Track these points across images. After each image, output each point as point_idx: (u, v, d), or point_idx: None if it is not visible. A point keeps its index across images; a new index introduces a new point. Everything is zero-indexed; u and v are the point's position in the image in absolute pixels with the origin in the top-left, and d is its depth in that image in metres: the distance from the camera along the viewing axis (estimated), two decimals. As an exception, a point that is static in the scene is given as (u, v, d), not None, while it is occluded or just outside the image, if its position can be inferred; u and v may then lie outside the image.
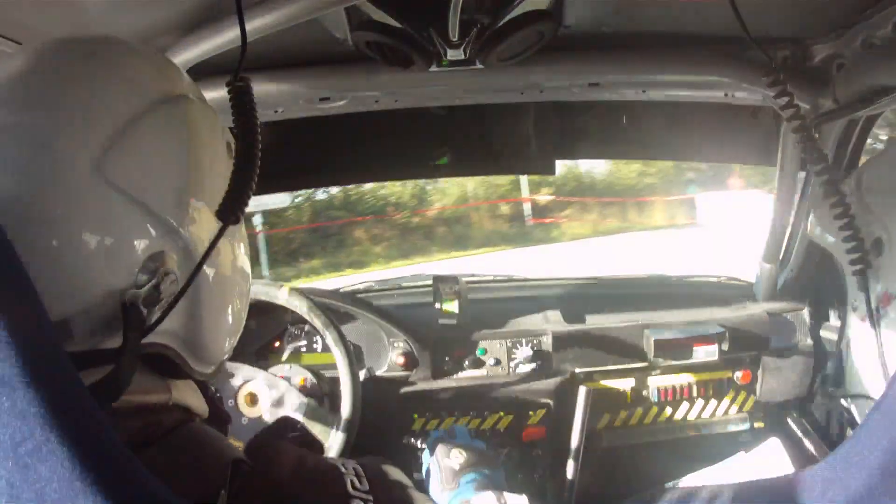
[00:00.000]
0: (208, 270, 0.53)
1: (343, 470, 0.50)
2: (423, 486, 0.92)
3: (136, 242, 0.47)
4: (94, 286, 0.46)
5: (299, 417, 1.22)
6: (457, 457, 0.90)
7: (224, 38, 0.83)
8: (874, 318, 0.55)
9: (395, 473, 0.54)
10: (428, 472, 0.92)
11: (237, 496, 0.45)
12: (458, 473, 0.88)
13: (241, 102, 0.56)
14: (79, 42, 0.53)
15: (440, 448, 0.93)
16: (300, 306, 1.24)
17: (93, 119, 0.47)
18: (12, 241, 0.40)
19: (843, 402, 0.62)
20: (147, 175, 0.48)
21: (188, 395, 0.53)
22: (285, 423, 0.52)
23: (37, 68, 0.49)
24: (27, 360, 0.36)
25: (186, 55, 0.85)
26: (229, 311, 0.56)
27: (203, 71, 0.88)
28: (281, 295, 1.23)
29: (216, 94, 1.02)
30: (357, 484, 0.48)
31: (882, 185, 0.59)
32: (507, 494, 0.78)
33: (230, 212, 0.51)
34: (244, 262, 0.59)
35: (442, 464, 0.90)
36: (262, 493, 0.46)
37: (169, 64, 0.57)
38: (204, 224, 0.52)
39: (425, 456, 0.95)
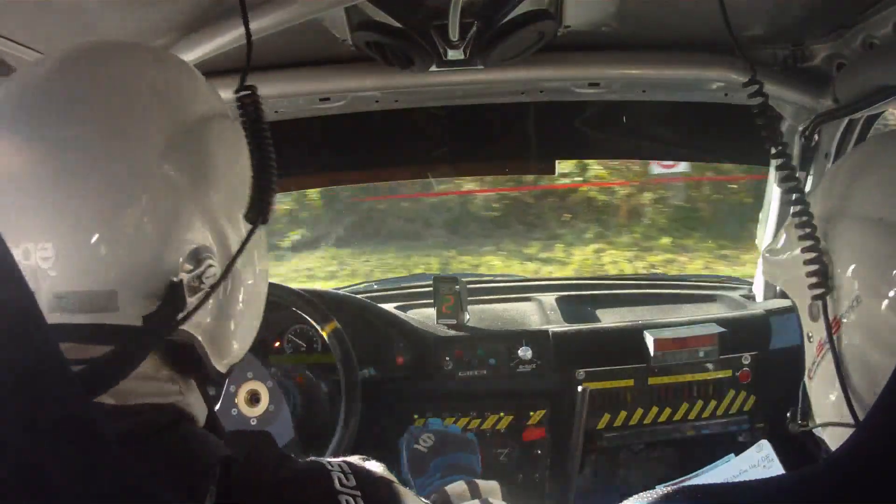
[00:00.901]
0: (241, 270, 0.56)
1: (329, 468, 0.50)
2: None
3: (187, 233, 0.51)
4: (147, 264, 0.49)
5: (299, 417, 1.22)
6: (425, 441, 0.90)
7: (225, 39, 0.82)
8: (833, 342, 0.54)
9: (381, 470, 0.55)
10: (402, 462, 0.92)
11: (225, 494, 0.45)
12: (426, 458, 0.88)
13: (252, 110, 0.60)
14: (144, 49, 0.58)
15: (409, 436, 0.93)
16: (301, 306, 1.25)
17: (161, 120, 0.52)
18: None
19: (816, 432, 0.62)
20: (203, 175, 0.53)
21: (193, 401, 0.54)
22: (267, 437, 0.53)
23: (99, 75, 0.52)
24: (16, 351, 0.36)
25: (188, 55, 0.85)
26: (254, 310, 0.60)
27: (203, 71, 0.87)
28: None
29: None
30: (344, 480, 0.49)
31: (822, 210, 0.58)
32: (479, 481, 0.79)
33: (258, 213, 0.56)
34: (266, 266, 0.62)
35: (410, 450, 0.90)
36: (250, 491, 0.46)
37: (212, 87, 0.62)
38: (240, 228, 0.56)
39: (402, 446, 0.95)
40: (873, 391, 0.49)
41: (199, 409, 0.55)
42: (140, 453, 0.42)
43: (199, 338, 0.53)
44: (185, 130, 0.53)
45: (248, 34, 0.64)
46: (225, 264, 0.54)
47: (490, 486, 0.79)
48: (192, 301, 0.51)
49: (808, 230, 0.56)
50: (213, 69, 0.87)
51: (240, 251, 0.54)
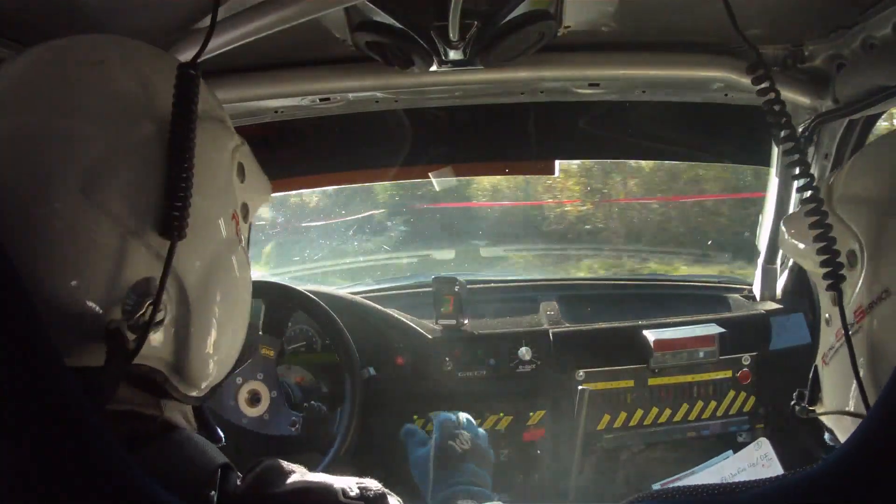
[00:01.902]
0: (197, 297, 0.51)
1: (332, 481, 0.50)
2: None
3: (123, 269, 0.46)
4: (78, 309, 0.45)
5: (300, 417, 1.22)
6: (463, 443, 0.90)
7: (223, 39, 0.82)
8: (849, 333, 0.53)
9: (380, 487, 0.54)
10: (426, 452, 0.91)
11: (226, 502, 0.45)
12: (460, 459, 0.88)
13: (185, 94, 0.49)
14: (85, 45, 0.52)
15: (446, 427, 0.92)
16: (302, 306, 1.25)
17: (85, 135, 0.46)
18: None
19: (823, 420, 0.61)
20: (138, 199, 0.47)
21: (177, 416, 0.53)
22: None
23: (39, 72, 0.49)
24: (19, 362, 0.36)
25: (184, 55, 0.85)
26: (220, 337, 0.55)
27: (204, 71, 0.87)
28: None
29: (217, 95, 1.02)
30: (349, 492, 0.49)
31: (854, 194, 0.57)
32: None
33: (171, 227, 0.47)
34: (242, 288, 0.58)
35: (445, 444, 0.89)
36: (253, 502, 0.46)
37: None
38: (200, 248, 0.51)
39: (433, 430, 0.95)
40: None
41: (184, 421, 0.54)
42: (137, 458, 0.42)
43: (161, 369, 0.50)
44: (128, 148, 0.47)
45: (215, 14, 0.57)
46: (180, 295, 0.49)
47: None
48: (133, 342, 0.46)
49: (820, 226, 0.55)
50: (213, 69, 0.87)
51: (163, 280, 0.47)
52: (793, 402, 0.66)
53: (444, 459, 0.89)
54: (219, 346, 0.54)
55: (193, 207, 0.49)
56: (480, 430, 0.98)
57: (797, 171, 0.57)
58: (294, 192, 2.18)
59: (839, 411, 0.57)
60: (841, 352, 0.55)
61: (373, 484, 0.51)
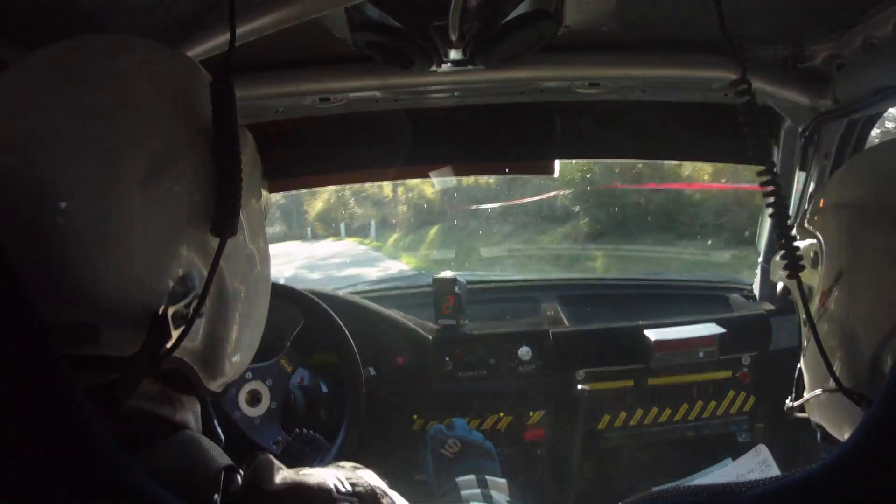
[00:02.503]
0: (232, 289, 0.53)
1: (326, 475, 0.50)
2: (423, 486, 0.93)
3: (174, 259, 0.48)
4: (128, 295, 0.46)
5: (300, 417, 1.22)
6: (451, 447, 0.92)
7: (223, 39, 0.82)
8: (811, 315, 0.60)
9: (374, 478, 0.54)
10: (427, 463, 0.94)
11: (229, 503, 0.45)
12: (452, 464, 0.89)
13: (225, 104, 0.52)
14: (124, 45, 0.53)
15: (436, 438, 0.94)
16: (303, 305, 1.25)
17: (149, 133, 0.48)
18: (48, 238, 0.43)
19: (812, 419, 0.65)
20: (190, 195, 0.49)
21: (188, 416, 0.54)
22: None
23: (93, 70, 0.49)
24: (15, 360, 0.36)
25: (189, 54, 0.85)
26: (249, 331, 0.57)
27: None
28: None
29: None
30: (342, 488, 0.49)
31: (819, 208, 0.64)
32: (489, 478, 0.81)
33: (224, 225, 0.50)
34: (267, 285, 0.60)
35: (436, 454, 0.92)
36: (251, 501, 0.46)
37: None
38: (239, 245, 0.53)
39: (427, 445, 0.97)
40: (857, 363, 0.55)
41: (194, 422, 0.54)
42: (142, 460, 0.42)
43: (190, 362, 0.51)
44: (180, 144, 0.49)
45: (233, 24, 0.59)
46: (219, 291, 0.51)
47: (498, 482, 0.81)
48: (176, 332, 0.48)
49: (779, 213, 0.63)
50: (211, 69, 0.87)
51: (211, 274, 0.49)
52: (787, 404, 0.69)
53: (440, 469, 0.91)
54: (244, 342, 0.56)
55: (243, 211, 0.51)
56: (474, 431, 0.99)
57: (765, 181, 0.65)
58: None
59: (815, 393, 0.62)
60: (811, 342, 0.60)
61: (365, 478, 0.51)
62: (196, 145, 0.50)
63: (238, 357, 0.56)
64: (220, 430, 0.61)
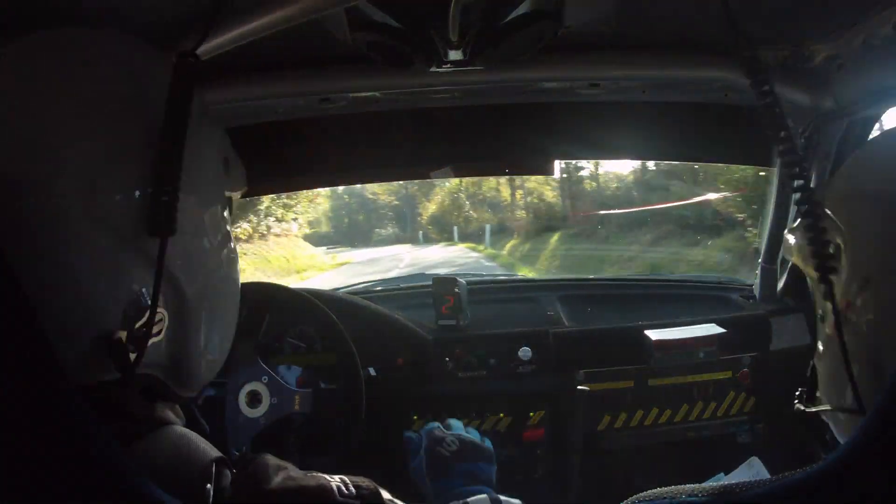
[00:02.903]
0: (193, 298, 0.51)
1: (329, 479, 0.50)
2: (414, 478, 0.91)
3: (120, 278, 0.46)
4: (83, 324, 0.45)
5: (300, 417, 1.22)
6: (449, 446, 0.88)
7: (223, 39, 0.82)
8: (840, 326, 0.54)
9: (374, 486, 0.54)
10: (419, 462, 0.90)
11: (221, 496, 0.45)
12: (449, 463, 0.86)
13: (183, 84, 0.48)
14: (72, 41, 0.50)
15: (432, 436, 0.90)
16: (302, 306, 1.25)
17: (78, 138, 0.45)
18: None
19: (822, 416, 0.62)
20: (132, 204, 0.46)
21: (167, 412, 0.54)
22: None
23: (24, 71, 0.47)
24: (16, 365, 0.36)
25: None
26: (217, 333, 0.56)
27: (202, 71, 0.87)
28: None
29: (217, 95, 1.02)
30: (344, 490, 0.49)
31: (842, 191, 0.59)
32: (502, 498, 0.76)
33: (156, 223, 0.46)
34: (234, 285, 0.58)
35: (433, 452, 0.88)
36: (249, 500, 0.46)
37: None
38: (194, 248, 0.51)
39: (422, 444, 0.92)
40: (879, 376, 0.50)
41: (174, 416, 0.54)
42: (134, 453, 0.43)
43: (160, 376, 0.51)
44: (127, 147, 0.46)
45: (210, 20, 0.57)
46: (179, 303, 0.50)
47: (512, 503, 0.76)
48: (133, 355, 0.46)
49: (810, 218, 0.56)
50: (213, 69, 0.87)
51: (157, 279, 0.46)
52: (795, 402, 0.66)
53: (436, 468, 0.87)
54: (213, 345, 0.55)
55: (186, 206, 0.48)
56: (471, 429, 0.96)
57: (795, 170, 0.58)
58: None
59: (834, 408, 0.57)
60: (832, 346, 0.55)
61: (366, 482, 0.51)
62: (144, 148, 0.47)
63: (208, 360, 0.55)
64: (203, 422, 0.61)
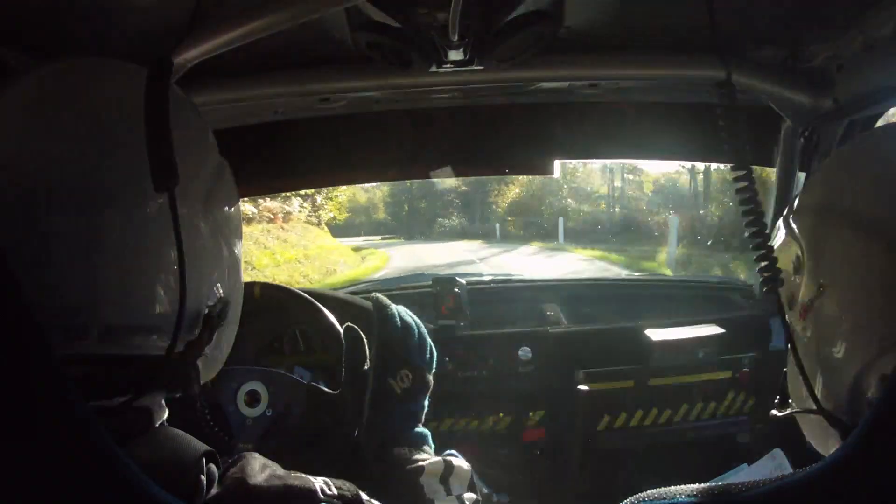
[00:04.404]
0: (229, 292, 0.58)
1: (313, 479, 0.52)
2: None
3: (216, 272, 0.56)
4: (189, 301, 0.51)
5: (299, 417, 1.21)
6: (402, 382, 0.90)
7: (223, 39, 0.82)
8: (790, 332, 0.58)
9: (356, 489, 0.55)
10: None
11: (211, 498, 0.47)
12: (399, 400, 0.88)
13: (158, 88, 0.52)
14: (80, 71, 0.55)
15: (390, 363, 0.91)
16: (301, 306, 1.24)
17: (203, 155, 0.57)
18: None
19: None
20: (233, 216, 0.59)
21: (158, 409, 0.55)
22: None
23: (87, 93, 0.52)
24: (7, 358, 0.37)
25: (188, 56, 0.85)
26: (226, 336, 0.61)
27: (198, 74, 0.87)
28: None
29: (211, 97, 1.02)
30: (327, 490, 0.51)
31: (803, 205, 0.61)
32: (455, 462, 0.76)
33: (164, 177, 0.50)
34: (239, 288, 0.63)
35: (384, 382, 0.90)
36: (234, 493, 0.48)
37: None
38: (217, 258, 0.58)
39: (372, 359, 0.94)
40: (837, 385, 0.52)
41: (160, 410, 0.56)
42: (130, 450, 0.43)
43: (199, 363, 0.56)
44: (219, 166, 0.58)
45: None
46: (229, 299, 0.57)
47: (462, 471, 0.75)
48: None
49: (755, 228, 0.60)
50: (213, 69, 0.87)
51: (176, 227, 0.49)
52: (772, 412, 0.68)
53: (381, 401, 0.84)
54: (222, 346, 0.60)
55: (191, 206, 0.54)
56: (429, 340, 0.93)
57: (740, 186, 0.62)
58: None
59: (798, 410, 0.60)
60: (793, 352, 0.58)
61: (347, 485, 0.53)
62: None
63: (210, 359, 0.59)
64: (209, 421, 0.64)
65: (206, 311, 0.54)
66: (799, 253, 0.57)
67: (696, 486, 0.46)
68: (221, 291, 0.56)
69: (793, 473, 0.43)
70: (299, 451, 1.20)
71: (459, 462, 0.76)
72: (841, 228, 0.53)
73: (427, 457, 0.79)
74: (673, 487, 0.47)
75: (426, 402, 0.89)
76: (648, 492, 0.48)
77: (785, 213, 0.63)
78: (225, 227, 0.57)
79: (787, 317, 0.59)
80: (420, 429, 0.85)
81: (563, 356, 1.36)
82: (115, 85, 0.54)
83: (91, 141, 0.49)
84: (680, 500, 0.45)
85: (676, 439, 1.35)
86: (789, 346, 0.58)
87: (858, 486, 0.39)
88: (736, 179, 0.63)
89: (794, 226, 0.60)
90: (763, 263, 0.58)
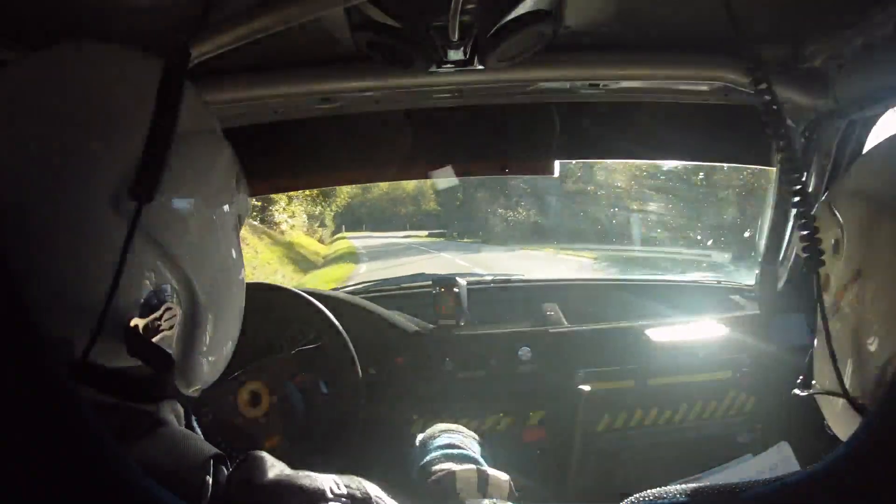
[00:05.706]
0: (205, 301, 0.54)
1: (320, 478, 0.51)
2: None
3: (144, 276, 0.49)
4: (99, 311, 0.47)
5: (300, 418, 1.22)
6: (425, 429, 0.92)
7: (223, 39, 0.82)
8: (825, 315, 0.58)
9: (370, 487, 0.55)
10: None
11: (218, 496, 0.46)
12: (426, 441, 0.88)
13: (173, 82, 0.51)
14: (110, 53, 0.53)
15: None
16: (301, 306, 1.25)
17: (116, 146, 0.48)
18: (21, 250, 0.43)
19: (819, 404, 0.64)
20: (169, 215, 0.50)
21: (168, 412, 0.55)
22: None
23: (61, 78, 0.49)
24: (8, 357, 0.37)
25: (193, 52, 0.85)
26: (223, 336, 0.58)
27: (202, 71, 0.88)
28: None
29: (210, 97, 1.02)
30: (336, 489, 0.50)
31: (848, 189, 0.61)
32: (489, 471, 0.77)
33: (141, 189, 0.48)
34: (241, 292, 0.61)
35: (416, 443, 0.90)
36: (242, 493, 0.47)
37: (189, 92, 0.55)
38: (209, 253, 0.54)
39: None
40: (864, 371, 0.53)
41: (174, 417, 0.55)
42: (132, 450, 0.43)
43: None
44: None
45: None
46: (190, 304, 0.53)
47: (499, 482, 0.78)
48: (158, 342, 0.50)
49: (802, 213, 0.60)
50: (213, 69, 0.87)
51: (125, 247, 0.47)
52: (795, 386, 0.68)
53: (424, 439, 0.90)
54: (218, 346, 0.57)
55: (196, 207, 0.52)
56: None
57: (793, 175, 0.62)
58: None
59: (822, 391, 0.60)
60: (822, 333, 0.58)
61: (356, 482, 0.52)
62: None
63: (212, 360, 0.57)
64: (197, 427, 0.62)
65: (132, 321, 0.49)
66: (839, 237, 0.58)
67: (696, 485, 0.46)
68: (153, 284, 0.50)
69: (793, 473, 0.43)
70: (304, 449, 1.20)
71: (494, 473, 0.77)
72: (880, 216, 0.54)
73: (451, 464, 0.79)
74: (672, 487, 0.47)
75: (474, 439, 0.92)
76: (648, 491, 0.48)
77: (825, 197, 0.64)
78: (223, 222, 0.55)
79: (823, 299, 0.59)
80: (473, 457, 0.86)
81: (564, 356, 1.36)
82: (99, 72, 0.51)
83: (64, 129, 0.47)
84: (680, 499, 0.45)
85: (676, 439, 1.35)
86: (820, 327, 0.59)
87: (858, 486, 0.39)
88: (785, 169, 0.64)
89: (834, 210, 0.60)
90: (805, 244, 0.59)
